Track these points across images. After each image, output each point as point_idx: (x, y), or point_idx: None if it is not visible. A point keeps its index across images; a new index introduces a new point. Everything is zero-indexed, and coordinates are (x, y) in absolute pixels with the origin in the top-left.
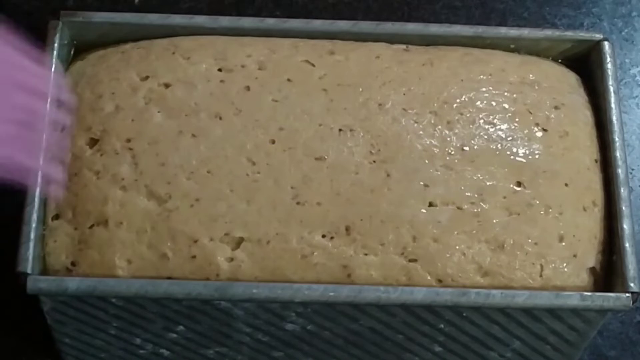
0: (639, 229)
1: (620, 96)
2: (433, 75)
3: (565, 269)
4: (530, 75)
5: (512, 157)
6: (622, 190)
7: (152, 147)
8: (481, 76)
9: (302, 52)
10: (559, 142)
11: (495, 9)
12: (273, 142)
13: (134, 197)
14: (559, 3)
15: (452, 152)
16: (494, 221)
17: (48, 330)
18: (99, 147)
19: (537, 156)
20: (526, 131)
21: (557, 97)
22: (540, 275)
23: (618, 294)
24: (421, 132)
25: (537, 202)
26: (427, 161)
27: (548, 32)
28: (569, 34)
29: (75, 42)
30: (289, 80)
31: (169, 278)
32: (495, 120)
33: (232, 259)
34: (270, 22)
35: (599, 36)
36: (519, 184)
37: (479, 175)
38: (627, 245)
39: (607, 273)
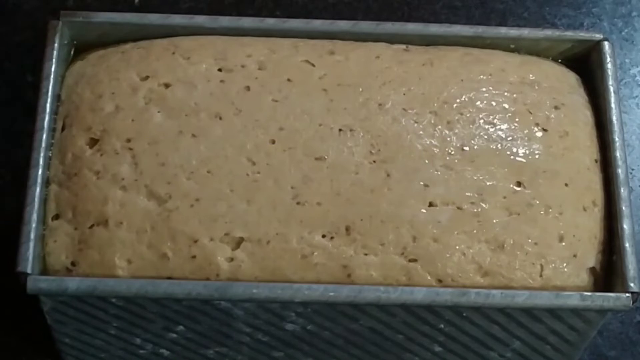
0: (639, 229)
1: (620, 96)
2: (433, 75)
3: (565, 269)
4: (530, 75)
5: (512, 157)
6: (622, 190)
7: (152, 147)
8: (481, 76)
9: (302, 52)
10: (559, 142)
11: (495, 9)
12: (273, 142)
13: (134, 197)
14: (559, 3)
15: (452, 152)
16: (494, 221)
17: (48, 330)
18: (99, 147)
19: (537, 156)
20: (526, 131)
21: (557, 97)
22: (540, 275)
23: (618, 294)
24: (421, 132)
25: (537, 202)
26: (427, 161)
27: (548, 32)
28: (569, 34)
29: (75, 42)
30: (289, 80)
31: (169, 278)
32: (495, 120)
33: (232, 259)
34: (270, 22)
35: (599, 36)
36: (519, 184)
37: (479, 175)
38: (627, 245)
39: (607, 273)
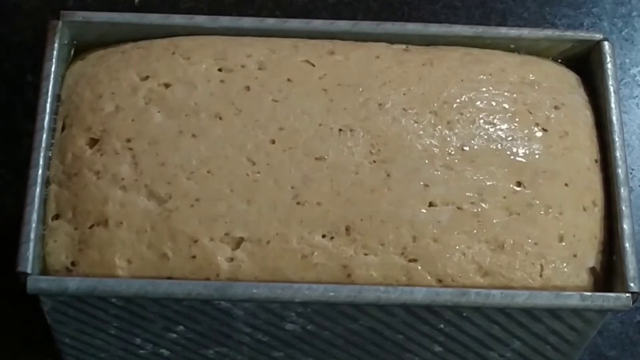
0: (639, 229)
1: (620, 96)
2: (433, 75)
3: (565, 269)
4: (530, 75)
5: (512, 157)
6: (622, 190)
7: (152, 147)
8: (481, 76)
9: (302, 52)
10: (559, 142)
11: (495, 9)
12: (273, 142)
13: (134, 197)
14: (559, 3)
15: (452, 152)
16: (494, 221)
17: (48, 330)
18: (99, 147)
19: (537, 156)
20: (526, 131)
21: (557, 97)
22: (540, 275)
23: (618, 294)
24: (421, 132)
25: (537, 202)
26: (427, 161)
27: (548, 32)
28: (569, 34)
29: (75, 42)
30: (289, 80)
31: (169, 278)
32: (495, 120)
33: (232, 259)
34: (270, 22)
35: (599, 36)
36: (519, 184)
37: (479, 175)
38: (627, 245)
39: (607, 273)
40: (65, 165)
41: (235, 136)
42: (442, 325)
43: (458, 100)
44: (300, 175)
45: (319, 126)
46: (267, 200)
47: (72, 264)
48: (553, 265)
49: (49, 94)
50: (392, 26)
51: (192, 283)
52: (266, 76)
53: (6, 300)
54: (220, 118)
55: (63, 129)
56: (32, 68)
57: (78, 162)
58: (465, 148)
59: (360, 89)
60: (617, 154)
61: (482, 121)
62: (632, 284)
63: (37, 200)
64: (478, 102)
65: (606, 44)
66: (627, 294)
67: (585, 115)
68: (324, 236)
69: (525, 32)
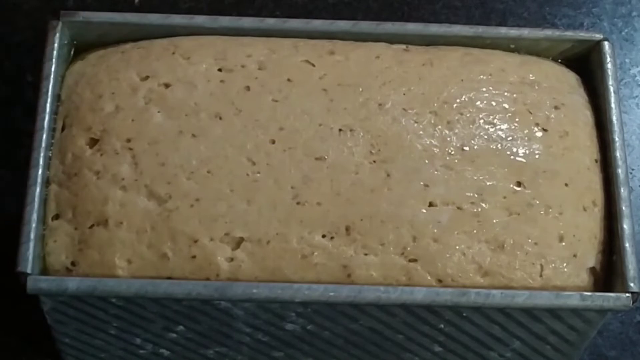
0: (639, 229)
1: (620, 96)
2: (433, 75)
3: (565, 269)
4: (530, 75)
5: (512, 157)
6: (622, 190)
7: (152, 147)
8: (481, 76)
9: (302, 52)
10: (559, 142)
11: (495, 9)
12: (273, 142)
13: (134, 197)
14: (559, 3)
15: (452, 152)
16: (494, 221)
17: (48, 330)
18: (99, 147)
19: (537, 156)
20: (526, 131)
21: (557, 97)
22: (540, 275)
23: (618, 294)
24: (421, 132)
25: (537, 202)
26: (427, 161)
27: (548, 32)
28: (569, 34)
29: (75, 42)
30: (289, 80)
31: (169, 278)
32: (495, 120)
33: (232, 259)
34: (270, 22)
35: (599, 36)
36: (519, 184)
37: (479, 175)
38: (627, 245)
39: (607, 273)
40: (65, 165)
41: (235, 136)
42: (442, 325)
43: (458, 100)
44: (300, 175)
45: (319, 126)
46: (267, 200)
47: (72, 264)
48: (553, 265)
49: (49, 94)
50: (392, 26)
51: (192, 283)
52: (266, 76)
53: (6, 300)
54: (220, 118)
55: (63, 129)
56: (32, 68)
57: (78, 162)
58: (465, 148)
59: (360, 89)
60: (617, 154)
61: (482, 121)
62: (632, 284)
63: (37, 200)
64: (478, 102)
65: (606, 44)
66: (627, 294)
67: (585, 115)
68: (324, 236)
69: (525, 32)
